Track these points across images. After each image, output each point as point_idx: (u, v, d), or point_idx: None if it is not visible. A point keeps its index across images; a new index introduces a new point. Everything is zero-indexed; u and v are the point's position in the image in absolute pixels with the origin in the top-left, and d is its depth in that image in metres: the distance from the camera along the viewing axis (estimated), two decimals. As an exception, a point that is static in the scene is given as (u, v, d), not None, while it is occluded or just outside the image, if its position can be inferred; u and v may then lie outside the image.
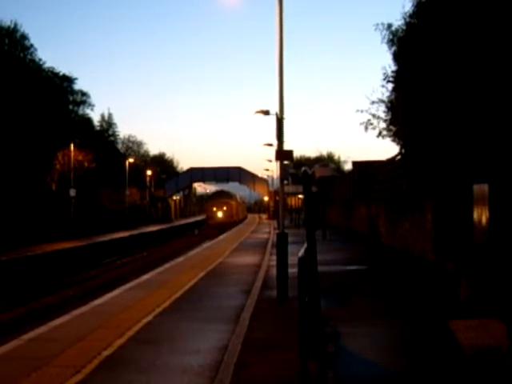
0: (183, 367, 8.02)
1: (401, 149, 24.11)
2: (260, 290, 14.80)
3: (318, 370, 7.06)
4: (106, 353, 8.65)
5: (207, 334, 10.01)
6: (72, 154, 51.77)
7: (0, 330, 18.44)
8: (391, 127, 24.24)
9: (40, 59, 59.83)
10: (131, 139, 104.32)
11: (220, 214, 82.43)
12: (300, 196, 58.77)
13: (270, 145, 41.55)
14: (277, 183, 46.89)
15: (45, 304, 23.24)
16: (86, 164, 56.66)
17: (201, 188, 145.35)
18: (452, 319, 10.28)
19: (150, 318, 11.30)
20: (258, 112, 24.36)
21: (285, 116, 14.42)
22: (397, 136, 23.84)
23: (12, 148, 39.76)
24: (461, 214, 13.61)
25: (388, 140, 25.31)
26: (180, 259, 24.14)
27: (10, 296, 24.62)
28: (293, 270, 11.25)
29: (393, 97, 23.12)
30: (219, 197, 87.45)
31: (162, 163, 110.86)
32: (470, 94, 14.06)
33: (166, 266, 21.57)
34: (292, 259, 12.01)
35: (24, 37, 58.78)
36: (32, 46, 59.56)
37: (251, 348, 9.01)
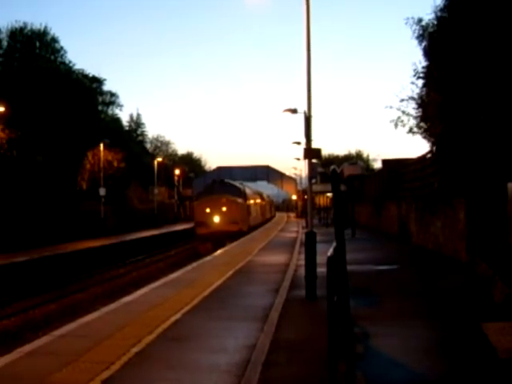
0: (211, 365, 8.01)
1: (432, 146, 23.86)
2: (288, 289, 14.75)
3: (346, 370, 7.01)
4: (134, 350, 8.68)
5: (235, 333, 9.99)
6: (102, 153, 52.19)
7: (32, 326, 18.67)
8: (422, 124, 23.98)
9: (70, 61, 60.64)
10: (159, 139, 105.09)
11: (217, 219, 44.42)
12: (328, 195, 58.50)
13: (298, 143, 41.55)
14: (305, 182, 46.77)
15: (75, 301, 23.48)
16: (115, 163, 57.09)
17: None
18: (486, 321, 10.11)
19: (178, 315, 11.32)
20: (285, 110, 24.32)
21: (313, 114, 14.32)
22: (428, 133, 23.59)
23: (44, 148, 40.21)
24: (495, 213, 13.41)
25: (418, 137, 25.06)
26: (208, 258, 24.17)
27: (42, 292, 24.92)
28: (321, 270, 11.20)
29: (423, 93, 22.87)
30: (217, 190, 46.54)
31: (190, 162, 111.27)
32: (506, 90, 13.84)
33: (194, 264, 21.61)
34: (320, 258, 11.95)
35: (54, 39, 59.65)
36: (62, 48, 60.44)
37: (279, 347, 8.97)
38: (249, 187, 59.96)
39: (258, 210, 65.25)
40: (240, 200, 45.72)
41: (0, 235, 31.77)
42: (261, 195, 73.02)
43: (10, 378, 7.49)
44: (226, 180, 50.44)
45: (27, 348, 9.11)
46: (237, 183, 51.41)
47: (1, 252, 29.49)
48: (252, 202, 56.84)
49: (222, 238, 39.32)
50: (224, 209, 43.58)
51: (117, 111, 72.35)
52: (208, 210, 43.45)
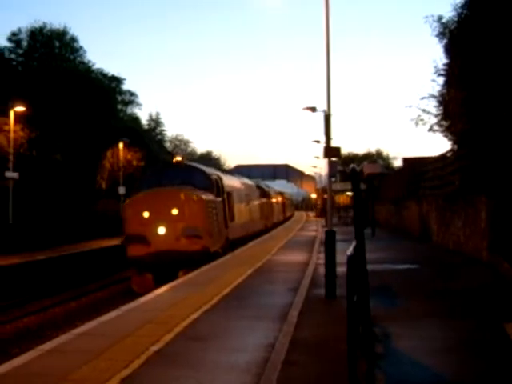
0: (230, 364, 8.02)
1: (453, 144, 23.71)
2: (308, 288, 14.73)
3: (366, 370, 6.99)
4: (153, 348, 8.71)
5: (254, 332, 10.00)
6: (121, 152, 52.46)
7: (52, 324, 18.83)
8: (443, 122, 23.85)
9: (89, 61, 61.12)
10: (178, 138, 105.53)
11: (162, 231, 22.91)
12: (348, 193, 58.39)
13: (318, 142, 41.44)
14: (325, 180, 46.58)
15: (95, 299, 23.65)
16: (134, 162, 57.34)
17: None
18: (508, 322, 10.03)
19: (197, 314, 11.35)
20: (305, 109, 24.26)
21: (332, 112, 14.29)
22: (449, 131, 23.45)
23: (64, 147, 40.52)
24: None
25: (439, 135, 24.96)
26: (227, 257, 24.19)
27: (62, 291, 25.11)
28: (341, 269, 11.18)
29: (444, 91, 22.75)
30: (167, 178, 25.26)
31: (209, 161, 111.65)
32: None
33: (214, 262, 21.64)
34: (340, 257, 11.92)
35: (73, 39, 60.21)
36: (81, 48, 60.97)
37: (299, 346, 8.96)
38: (246, 181, 42.40)
39: (277, 209, 59.35)
40: (208, 196, 24.53)
41: (19, 234, 32.01)
42: (281, 194, 68.45)
43: (30, 376, 7.55)
44: (185, 161, 32.56)
45: (47, 346, 9.18)
46: (208, 168, 29.22)
47: (20, 251, 29.74)
48: (264, 200, 46.48)
49: (171, 266, 21.71)
50: (175, 211, 22.90)
51: (136, 110, 72.70)
52: (147, 215, 22.91)
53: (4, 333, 18.06)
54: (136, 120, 72.17)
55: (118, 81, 66.85)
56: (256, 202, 41.98)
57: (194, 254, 22.09)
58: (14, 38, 55.81)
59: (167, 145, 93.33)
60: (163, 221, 22.70)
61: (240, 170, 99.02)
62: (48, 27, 57.68)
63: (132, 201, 24.62)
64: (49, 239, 33.71)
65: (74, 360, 8.14)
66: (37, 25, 57.02)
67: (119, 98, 67.88)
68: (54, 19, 62.12)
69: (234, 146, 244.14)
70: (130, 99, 71.63)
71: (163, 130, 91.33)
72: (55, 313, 21.12)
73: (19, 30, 56.02)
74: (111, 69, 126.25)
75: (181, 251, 22.14)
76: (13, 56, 54.00)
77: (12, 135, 32.21)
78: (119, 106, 67.17)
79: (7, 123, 32.52)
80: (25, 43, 56.20)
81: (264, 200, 47.56)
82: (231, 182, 32.36)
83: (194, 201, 23.31)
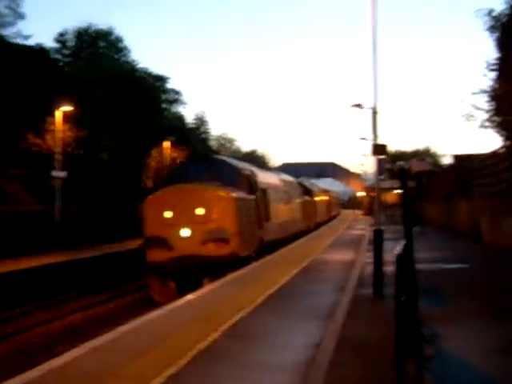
0: (276, 363, 8.05)
1: (505, 140, 23.29)
2: (355, 288, 14.67)
3: (415, 372, 6.93)
4: (199, 346, 8.78)
5: (300, 331, 10.00)
6: (167, 151, 52.89)
7: (98, 322, 19.12)
8: (494, 118, 23.44)
9: (133, 60, 61.86)
10: (223, 136, 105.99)
11: (185, 233, 20.38)
12: (396, 191, 57.80)
13: (365, 139, 41.16)
14: (372, 178, 46.31)
15: (140, 297, 23.91)
16: (179, 161, 57.74)
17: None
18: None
19: (243, 312, 11.40)
20: (352, 106, 24.17)
21: (379, 109, 14.20)
22: (501, 127, 23.04)
23: (110, 147, 41.09)
24: None
25: (490, 132, 24.55)
26: (273, 256, 24.22)
27: (107, 289, 25.46)
28: (389, 268, 11.09)
29: (496, 85, 22.36)
30: (193, 174, 22.39)
31: (254, 159, 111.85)
32: None
33: (261, 261, 21.70)
34: (388, 256, 11.84)
35: (118, 39, 61.02)
36: (126, 47, 61.76)
37: (345, 346, 8.93)
38: (286, 177, 38.81)
39: (321, 208, 56.26)
40: (239, 193, 22.07)
41: (67, 232, 32.56)
42: (326, 192, 64.91)
43: (77, 372, 7.70)
44: (214, 155, 29.23)
45: (93, 343, 9.34)
46: (239, 162, 27.36)
47: (67, 248, 30.26)
48: (306, 199, 43.79)
49: (195, 272, 19.70)
50: (200, 211, 20.53)
51: (180, 109, 73.21)
52: (168, 215, 20.61)
53: (51, 330, 18.41)
54: (181, 119, 72.65)
55: (162, 80, 67.44)
56: (297, 201, 39.07)
57: (221, 259, 19.66)
58: (61, 38, 56.79)
59: (212, 143, 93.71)
60: (187, 222, 20.23)
61: (286, 168, 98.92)
62: (93, 28, 58.57)
63: (152, 198, 21.68)
64: (95, 237, 34.24)
65: (121, 357, 8.27)
66: (82, 25, 57.95)
67: (164, 97, 68.45)
68: (100, 20, 63.18)
69: (280, 144, 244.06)
70: (175, 98, 72.18)
71: (208, 129, 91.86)
72: (101, 310, 21.43)
73: (65, 30, 57.00)
74: (155, 68, 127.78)
75: (206, 256, 19.81)
76: (59, 56, 54.93)
77: (59, 135, 32.79)
78: (164, 105, 67.71)
79: (54, 123, 33.12)
80: (71, 43, 57.15)
81: (306, 198, 44.78)
82: (267, 178, 29.85)
83: (221, 199, 20.71)
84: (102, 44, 59.66)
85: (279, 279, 16.15)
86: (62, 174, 32.35)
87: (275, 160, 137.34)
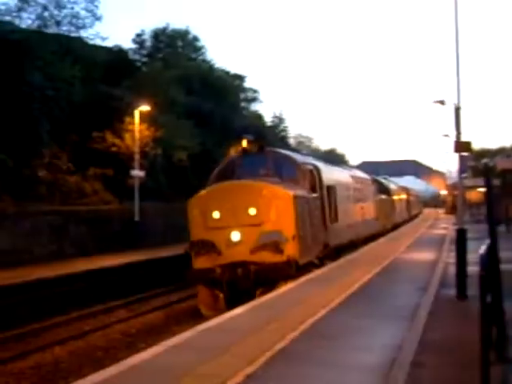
0: (356, 363, 8.03)
1: None
2: (437, 288, 14.45)
3: (500, 374, 6.79)
4: (278, 346, 8.84)
5: (381, 332, 9.94)
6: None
7: (177, 320, 19.45)
8: None
9: (211, 59, 62.66)
10: (302, 134, 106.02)
11: (236, 237, 17.92)
12: (480, 190, 56.44)
13: (447, 136, 40.38)
14: (455, 176, 45.32)
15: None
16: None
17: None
18: None
19: (322, 313, 11.41)
20: (435, 102, 23.78)
21: (462, 105, 13.98)
22: None
23: (188, 146, 41.65)
24: None
25: None
26: (354, 255, 24.08)
27: (189, 286, 25.84)
28: (473, 268, 10.89)
29: None
30: (246, 169, 20.24)
31: (333, 158, 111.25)
32: None
33: (340, 261, 21.62)
34: (472, 256, 11.63)
35: (196, 38, 61.90)
36: (203, 46, 62.60)
37: (427, 347, 8.83)
38: (361, 174, 36.94)
39: (400, 207, 52.79)
40: (298, 191, 19.41)
41: (145, 231, 33.22)
42: (405, 190, 61.52)
43: (156, 369, 7.89)
44: (270, 147, 22.93)
45: (173, 341, 9.53)
46: (301, 156, 25.73)
47: (146, 247, 30.90)
48: (382, 197, 41.04)
49: (246, 282, 17.43)
50: (252, 211, 18.13)
51: (258, 108, 73.75)
52: (216, 215, 18.31)
53: (131, 327, 18.86)
54: (259, 117, 73.05)
55: (240, 78, 67.99)
56: (371, 199, 35.98)
57: (276, 267, 17.28)
58: (138, 39, 57.98)
59: (291, 141, 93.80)
60: (237, 223, 17.85)
61: (365, 167, 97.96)
62: (170, 28, 59.56)
63: (197, 197, 19.11)
64: (173, 236, 34.81)
65: (199, 355, 8.40)
66: (160, 25, 59.00)
67: (242, 96, 68.99)
68: (176, 20, 64.33)
69: (359, 143, 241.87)
70: (253, 96, 72.67)
71: (286, 127, 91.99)
72: (181, 308, 21.78)
73: (142, 31, 58.17)
74: (232, 67, 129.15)
75: (259, 263, 17.33)
76: (137, 57, 56.09)
77: (137, 135, 33.49)
78: (242, 104, 68.25)
79: (132, 123, 33.85)
80: (148, 44, 58.27)
81: (383, 197, 41.81)
82: (334, 173, 26.66)
83: (277, 197, 18.17)
84: (179, 44, 60.58)
85: (360, 279, 16.06)
86: (140, 173, 33.06)
87: (354, 159, 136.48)
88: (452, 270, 14.55)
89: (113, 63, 44.26)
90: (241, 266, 17.39)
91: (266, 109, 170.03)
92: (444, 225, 49.24)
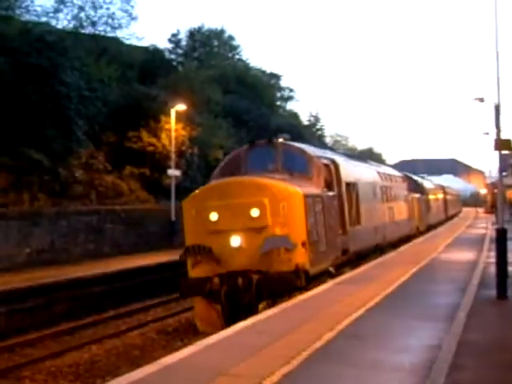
0: (393, 364, 7.98)
1: None
2: (476, 288, 14.28)
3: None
4: (314, 345, 8.83)
5: (418, 332, 9.86)
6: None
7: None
8: None
9: (247, 58, 62.99)
10: (339, 134, 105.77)
11: (236, 242, 15.54)
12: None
13: (487, 134, 39.86)
14: (495, 175, 44.68)
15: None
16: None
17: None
18: None
19: (359, 312, 11.35)
20: (474, 100, 23.51)
21: (503, 102, 13.78)
22: None
23: (225, 145, 41.81)
24: None
25: None
26: (390, 254, 23.92)
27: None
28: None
29: None
30: (254, 163, 18.15)
31: (370, 157, 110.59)
32: None
33: (379, 260, 21.49)
34: (512, 256, 11.48)
35: (231, 37, 62.22)
36: (239, 46, 62.92)
37: (467, 349, 8.73)
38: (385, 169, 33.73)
39: (436, 207, 49.74)
40: (310, 189, 17.20)
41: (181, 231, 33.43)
42: (442, 188, 58.35)
43: (192, 368, 7.93)
44: (279, 140, 19.41)
45: (209, 341, 9.57)
46: (315, 149, 20.98)
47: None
48: (415, 196, 37.90)
49: (248, 294, 15.17)
50: (255, 212, 15.61)
51: (294, 106, 73.85)
52: (214, 217, 15.87)
53: (168, 326, 18.98)
54: (295, 116, 73.05)
55: (276, 77, 68.09)
56: (403, 198, 32.78)
57: (282, 277, 14.92)
58: (174, 38, 58.40)
59: (327, 140, 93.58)
60: (238, 227, 15.48)
61: (403, 165, 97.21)
62: (206, 27, 59.95)
63: (193, 197, 16.64)
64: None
65: (235, 355, 8.43)
66: (195, 25, 59.44)
67: (278, 95, 69.07)
68: (212, 20, 64.93)
69: (397, 141, 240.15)
70: (289, 95, 72.71)
71: (323, 126, 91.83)
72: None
73: (178, 31, 58.62)
74: (267, 66, 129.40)
75: (263, 273, 15.09)
76: (173, 56, 56.51)
77: (174, 134, 33.70)
78: (278, 103, 68.34)
79: (168, 122, 34.09)
80: (184, 43, 58.66)
81: (415, 196, 38.55)
82: (356, 169, 23.62)
83: (284, 196, 15.65)
84: (214, 43, 60.90)
85: (397, 279, 15.95)
86: (177, 172, 33.26)
87: (392, 158, 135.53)
88: (492, 270, 14.37)
89: (148, 63, 44.67)
90: (241, 276, 15.07)
91: (302, 108, 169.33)
92: (483, 224, 48.67)
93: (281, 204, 15.53)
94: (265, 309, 13.69)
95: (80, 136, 30.04)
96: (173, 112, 33.86)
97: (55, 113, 27.99)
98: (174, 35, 58.47)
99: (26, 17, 33.15)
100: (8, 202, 25.27)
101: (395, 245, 27.76)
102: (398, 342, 9.26)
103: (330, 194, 18.46)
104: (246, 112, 48.86)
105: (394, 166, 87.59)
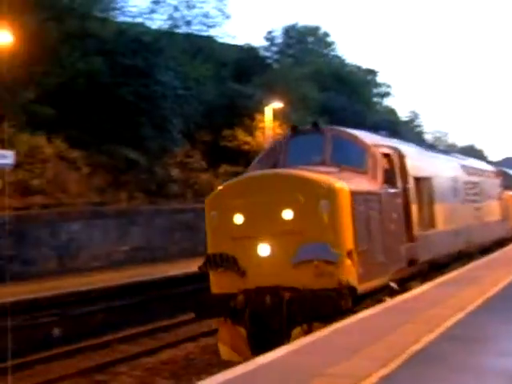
0: (498, 369, 7.59)
1: None
2: None
3: None
4: (413, 348, 8.55)
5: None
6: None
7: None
8: None
9: (342, 55, 62.85)
10: (439, 130, 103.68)
11: (265, 251, 12.50)
12: None
13: None
14: None
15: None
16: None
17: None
18: None
19: (460, 315, 10.94)
20: None
21: None
22: None
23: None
24: None
25: None
26: (494, 255, 23.09)
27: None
28: None
29: None
30: (295, 156, 14.72)
31: (471, 154, 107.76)
32: None
33: (477, 262, 20.79)
34: None
35: (326, 34, 62.22)
36: (334, 42, 62.93)
37: None
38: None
39: None
40: (361, 185, 13.63)
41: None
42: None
43: (285, 369, 7.82)
44: (324, 126, 17.02)
45: (304, 341, 9.45)
46: (371, 135, 16.75)
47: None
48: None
49: (279, 316, 12.07)
50: (287, 214, 12.49)
51: (391, 102, 72.94)
52: (239, 220, 12.92)
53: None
54: (393, 112, 72.15)
55: (372, 73, 67.46)
56: (495, 196, 28.41)
57: (319, 296, 11.85)
58: (269, 36, 58.76)
59: (427, 137, 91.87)
60: (267, 232, 12.60)
61: (508, 163, 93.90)
62: (300, 24, 60.11)
63: (216, 195, 13.82)
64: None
65: (330, 356, 8.26)
66: (289, 22, 59.67)
67: (374, 91, 68.43)
68: (306, 17, 65.33)
69: (502, 138, 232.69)
70: (386, 91, 71.90)
71: (421, 122, 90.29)
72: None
73: (273, 28, 59.09)
74: (364, 62, 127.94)
75: (298, 290, 12.16)
76: (268, 54, 56.85)
77: (269, 132, 33.80)
78: (375, 99, 67.69)
79: (263, 120, 34.23)
80: (279, 41, 58.93)
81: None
82: (429, 161, 19.86)
83: (325, 194, 12.36)
84: (309, 40, 60.93)
85: (502, 279, 15.32)
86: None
87: (495, 155, 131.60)
88: None
89: (243, 61, 45.09)
90: (270, 293, 12.30)
91: (401, 104, 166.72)
92: None
93: (321, 203, 12.38)
94: (300, 335, 11.28)
95: (175, 135, 30.61)
96: (269, 110, 33.97)
97: (151, 112, 28.62)
98: (268, 33, 58.89)
99: (122, 18, 34.13)
100: (106, 200, 26.04)
101: (488, 249, 24.61)
102: (504, 346, 8.83)
103: (391, 191, 15.06)
104: (342, 109, 48.54)
105: (497, 164, 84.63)
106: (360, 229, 12.75)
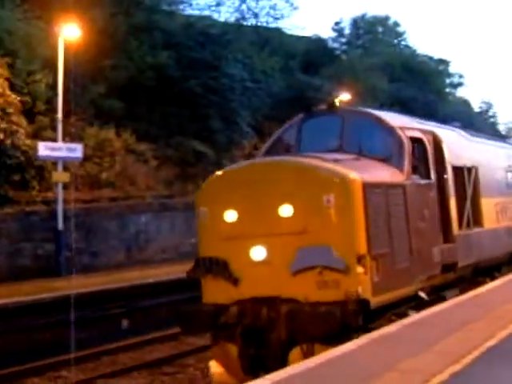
0: None
1: None
2: None
3: None
4: (486, 344, 8.32)
5: None
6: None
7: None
8: None
9: (413, 45, 62.13)
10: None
11: (261, 254, 10.16)
12: None
13: None
14: None
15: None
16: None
17: None
18: None
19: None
20: None
21: None
22: None
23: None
24: None
25: None
26: None
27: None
28: None
29: None
30: (310, 137, 12.71)
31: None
32: None
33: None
34: None
35: (396, 24, 61.57)
36: (404, 32, 62.19)
37: None
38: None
39: None
40: (383, 176, 11.31)
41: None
42: None
43: (355, 364, 7.72)
44: (346, 106, 18.01)
45: (373, 335, 9.31)
46: (403, 118, 14.14)
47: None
48: None
49: (276, 332, 9.95)
50: (287, 210, 10.20)
51: (464, 93, 71.63)
52: (233, 217, 10.60)
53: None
54: (466, 103, 70.79)
55: (444, 63, 66.33)
56: None
57: (319, 312, 9.63)
58: (337, 27, 58.40)
59: (501, 128, 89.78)
60: (263, 231, 10.43)
61: None
62: (369, 15, 59.66)
63: (207, 188, 11.53)
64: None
65: (402, 350, 8.13)
66: (358, 13, 59.30)
67: (447, 81, 67.29)
68: (375, 7, 64.71)
69: None
70: (459, 82, 70.62)
71: (496, 113, 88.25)
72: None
73: (341, 19, 58.73)
74: (436, 52, 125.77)
75: (299, 302, 10.00)
76: (336, 45, 56.53)
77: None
78: (447, 90, 66.55)
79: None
80: (347, 31, 58.53)
81: None
82: (473, 147, 16.80)
83: (331, 185, 10.22)
84: (379, 30, 60.34)
85: None
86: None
87: None
88: None
89: (311, 52, 44.93)
90: (266, 305, 10.24)
91: (473, 94, 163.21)
92: None
93: (325, 197, 10.20)
94: (299, 357, 9.48)
95: (244, 127, 30.70)
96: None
97: (219, 105, 28.77)
98: (336, 23, 58.56)
99: (189, 11, 34.41)
100: (173, 193, 26.29)
101: None
102: None
103: (422, 182, 12.65)
104: (412, 100, 47.88)
105: None
106: (376, 228, 10.56)
